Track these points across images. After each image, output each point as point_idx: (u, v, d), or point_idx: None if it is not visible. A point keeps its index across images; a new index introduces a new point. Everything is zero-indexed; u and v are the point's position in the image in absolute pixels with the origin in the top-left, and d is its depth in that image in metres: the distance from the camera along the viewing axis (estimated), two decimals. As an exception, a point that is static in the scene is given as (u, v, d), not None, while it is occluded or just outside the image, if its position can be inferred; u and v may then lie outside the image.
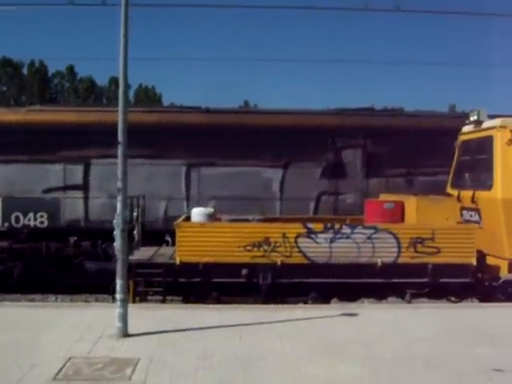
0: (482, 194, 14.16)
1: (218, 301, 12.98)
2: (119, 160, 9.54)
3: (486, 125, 14.52)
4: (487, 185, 14.02)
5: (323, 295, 13.30)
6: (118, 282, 9.57)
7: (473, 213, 14.57)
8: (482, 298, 14.00)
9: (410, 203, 14.13)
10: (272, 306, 12.31)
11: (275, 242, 12.98)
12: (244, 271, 13.02)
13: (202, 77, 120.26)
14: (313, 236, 13.02)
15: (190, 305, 12.69)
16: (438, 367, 8.26)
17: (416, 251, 13.12)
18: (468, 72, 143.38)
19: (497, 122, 14.00)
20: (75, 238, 17.82)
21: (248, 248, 12.94)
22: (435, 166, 18.05)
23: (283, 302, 12.91)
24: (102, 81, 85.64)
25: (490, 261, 13.90)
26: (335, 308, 12.28)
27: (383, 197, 15.74)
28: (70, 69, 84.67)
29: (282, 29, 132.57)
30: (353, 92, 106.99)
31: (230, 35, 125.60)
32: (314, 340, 9.46)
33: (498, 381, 7.78)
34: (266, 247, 12.95)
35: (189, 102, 22.58)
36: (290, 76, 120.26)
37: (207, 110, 18.68)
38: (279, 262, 12.94)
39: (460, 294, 14.01)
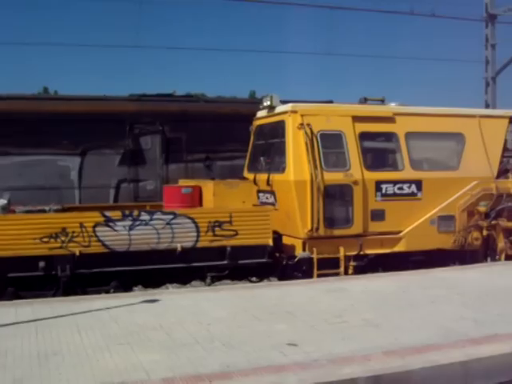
0: (276, 177, 14.71)
1: (16, 296, 12.40)
2: None
3: (278, 110, 15.07)
4: (281, 168, 14.59)
5: (125, 284, 13.18)
6: None
7: (268, 195, 15.11)
8: (280, 277, 14.60)
9: (207, 187, 14.35)
10: (71, 297, 11.95)
11: (73, 232, 12.60)
12: (41, 264, 12.47)
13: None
14: (111, 224, 12.81)
15: (-18, 303, 12.08)
16: (235, 346, 8.49)
17: (214, 235, 13.32)
18: (266, 58, 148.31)
19: (288, 107, 14.55)
20: None
21: (44, 239, 12.44)
22: (233, 150, 18.54)
23: (84, 292, 12.63)
24: None
25: (286, 241, 14.51)
26: (136, 296, 12.18)
27: (182, 182, 15.86)
28: None
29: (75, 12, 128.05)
30: (155, 78, 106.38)
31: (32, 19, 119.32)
32: (113, 330, 9.36)
33: (290, 354, 8.15)
34: (63, 238, 12.53)
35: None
36: (88, 62, 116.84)
37: None
38: (77, 253, 12.56)
39: (260, 274, 14.52)
